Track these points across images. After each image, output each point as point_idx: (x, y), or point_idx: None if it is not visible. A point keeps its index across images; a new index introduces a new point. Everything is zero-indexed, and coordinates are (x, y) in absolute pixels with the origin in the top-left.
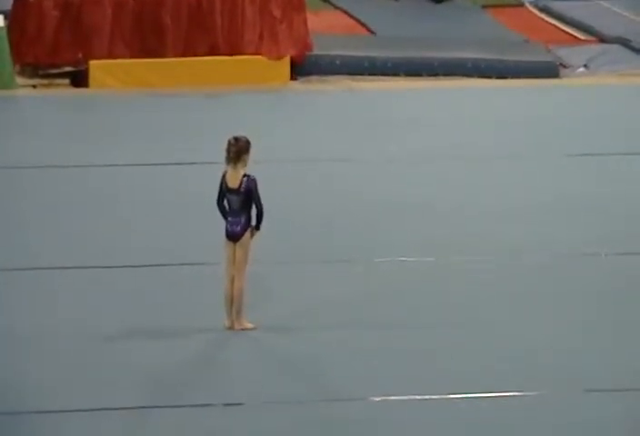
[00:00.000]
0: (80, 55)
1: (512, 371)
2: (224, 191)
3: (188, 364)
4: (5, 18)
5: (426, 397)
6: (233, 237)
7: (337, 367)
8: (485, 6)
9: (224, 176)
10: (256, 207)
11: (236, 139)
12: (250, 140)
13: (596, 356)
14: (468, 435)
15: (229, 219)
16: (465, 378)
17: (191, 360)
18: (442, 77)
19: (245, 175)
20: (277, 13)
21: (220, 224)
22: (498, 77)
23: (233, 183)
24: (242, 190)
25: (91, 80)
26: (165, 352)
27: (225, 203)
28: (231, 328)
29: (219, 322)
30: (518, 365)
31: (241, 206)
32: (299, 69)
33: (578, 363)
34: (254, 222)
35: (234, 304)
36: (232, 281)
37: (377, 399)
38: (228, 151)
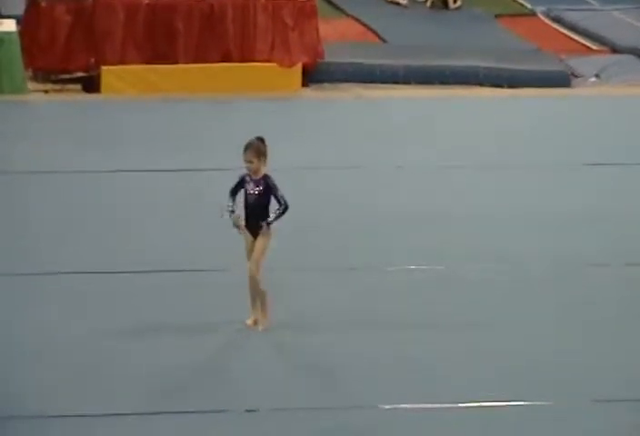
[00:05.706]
0: (92, 61)
1: (520, 381)
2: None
3: (198, 371)
4: (18, 23)
5: (436, 405)
6: (252, 233)
7: (347, 374)
8: (497, 15)
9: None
10: (279, 203)
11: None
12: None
13: (604, 366)
14: None
15: (247, 220)
16: (474, 387)
17: (202, 366)
18: (453, 86)
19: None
20: (289, 20)
21: (230, 230)
22: (510, 86)
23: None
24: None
25: (103, 85)
26: (177, 358)
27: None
28: (254, 324)
29: (232, 328)
30: (526, 374)
31: (259, 205)
32: (311, 76)
33: (586, 373)
34: (270, 218)
35: (254, 297)
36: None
37: (387, 406)
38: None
